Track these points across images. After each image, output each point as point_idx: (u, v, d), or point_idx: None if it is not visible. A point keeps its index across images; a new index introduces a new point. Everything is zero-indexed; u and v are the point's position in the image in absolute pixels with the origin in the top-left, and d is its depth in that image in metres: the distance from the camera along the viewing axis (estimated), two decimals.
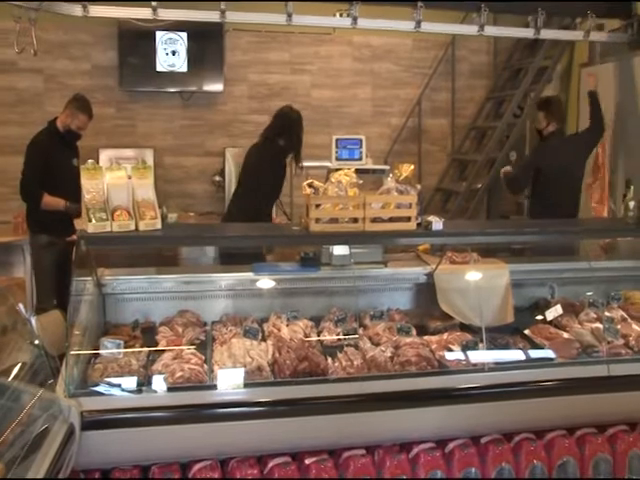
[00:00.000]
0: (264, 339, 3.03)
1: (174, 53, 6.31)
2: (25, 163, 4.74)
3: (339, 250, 3.37)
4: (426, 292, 3.47)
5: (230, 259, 4.30)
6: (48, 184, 4.65)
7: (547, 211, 4.60)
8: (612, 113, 5.39)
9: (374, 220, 2.97)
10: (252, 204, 4.51)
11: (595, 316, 3.34)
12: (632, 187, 3.47)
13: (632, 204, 3.44)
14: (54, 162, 4.68)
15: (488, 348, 2.92)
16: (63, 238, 4.57)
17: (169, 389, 2.54)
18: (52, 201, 4.63)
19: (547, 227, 3.45)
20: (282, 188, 4.74)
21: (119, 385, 2.52)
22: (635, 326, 3.25)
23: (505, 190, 5.37)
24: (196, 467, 2.52)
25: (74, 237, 2.80)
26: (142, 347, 2.89)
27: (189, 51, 6.33)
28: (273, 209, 4.88)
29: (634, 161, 5.17)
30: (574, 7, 4.80)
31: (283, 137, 4.55)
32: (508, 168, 5.15)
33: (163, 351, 2.82)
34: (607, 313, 3.34)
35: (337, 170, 3.21)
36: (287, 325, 3.16)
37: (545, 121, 4.92)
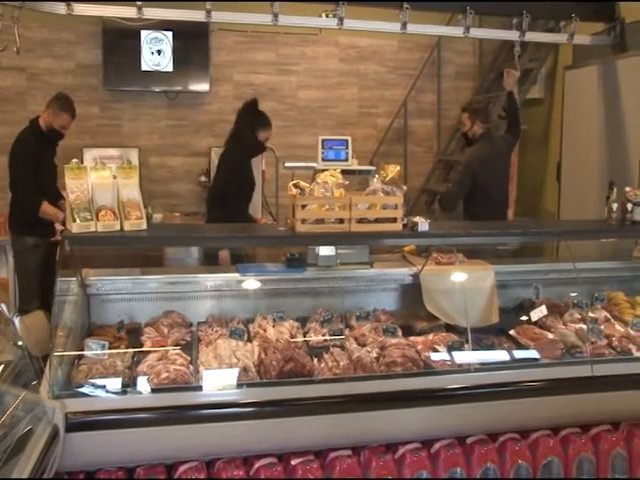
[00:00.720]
0: (250, 340, 3.02)
1: (159, 52, 6.28)
2: (16, 168, 4.62)
3: (325, 251, 3.37)
4: (412, 293, 3.47)
5: (212, 260, 4.29)
6: (35, 186, 4.60)
7: (482, 214, 4.48)
8: (596, 115, 5.44)
9: (360, 221, 2.98)
10: (224, 207, 4.45)
11: (579, 317, 3.37)
12: (615, 189, 3.50)
13: (615, 206, 3.48)
14: (40, 163, 4.63)
15: (473, 349, 2.94)
16: (46, 239, 4.54)
17: (154, 390, 2.53)
18: (51, 211, 4.54)
19: (531, 229, 3.47)
20: (251, 187, 4.66)
21: (104, 386, 2.50)
22: (618, 326, 3.28)
23: (438, 210, 5.18)
24: (182, 468, 2.50)
25: (59, 237, 2.78)
26: (127, 348, 2.87)
27: (174, 50, 6.30)
28: (249, 210, 4.80)
29: (617, 163, 5.23)
30: (558, 10, 4.84)
31: (243, 131, 4.51)
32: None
33: (148, 352, 2.80)
34: (591, 314, 3.37)
35: (323, 171, 3.21)
36: (273, 326, 3.16)
37: (469, 121, 4.80)
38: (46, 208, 4.54)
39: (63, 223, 4.26)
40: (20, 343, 2.41)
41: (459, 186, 4.75)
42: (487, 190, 4.65)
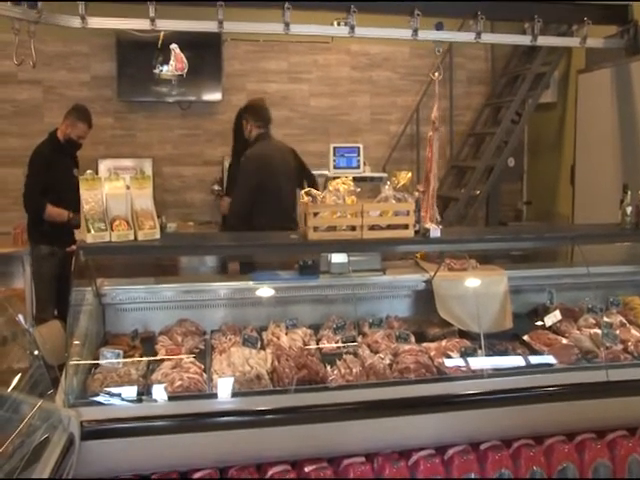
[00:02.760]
0: (263, 348, 3.03)
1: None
2: (28, 175, 4.76)
3: (337, 258, 3.38)
4: (425, 299, 3.47)
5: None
6: (50, 195, 4.67)
7: (269, 223, 4.07)
8: (609, 119, 5.41)
9: (372, 228, 2.99)
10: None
11: (594, 321, 3.35)
12: (629, 192, 3.48)
13: (629, 209, 3.45)
14: (56, 173, 4.70)
15: (487, 354, 2.93)
16: (63, 248, 4.60)
17: (168, 398, 2.55)
18: (55, 212, 4.65)
19: (544, 233, 3.46)
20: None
21: (119, 395, 2.53)
22: (634, 331, 3.25)
23: (229, 227, 4.58)
24: (196, 476, 2.52)
25: (74, 247, 2.81)
26: (141, 357, 2.89)
27: (187, 61, 6.34)
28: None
29: (630, 166, 5.19)
30: (570, 13, 4.82)
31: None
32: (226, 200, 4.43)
33: (162, 360, 2.83)
34: (606, 318, 3.34)
35: (335, 178, 3.23)
36: (286, 333, 3.17)
37: (248, 125, 4.54)
38: (50, 210, 4.65)
39: (75, 225, 4.32)
40: (36, 352, 2.44)
41: (241, 200, 4.30)
42: (271, 196, 4.27)
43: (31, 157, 4.77)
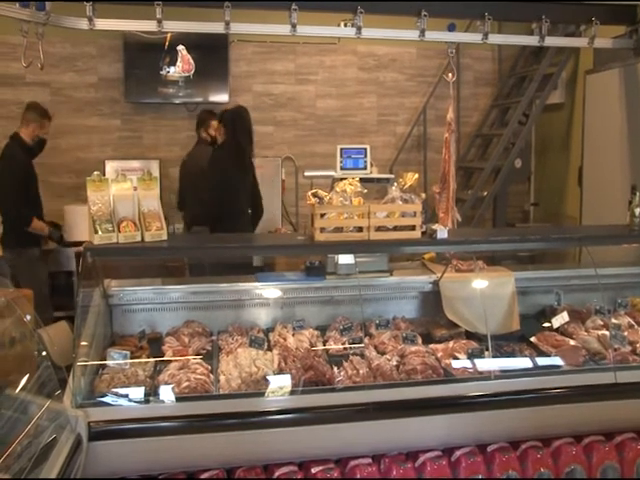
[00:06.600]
0: (270, 349, 3.03)
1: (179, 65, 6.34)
2: (5, 184, 4.71)
3: (344, 259, 3.38)
4: (432, 300, 3.47)
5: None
6: (30, 201, 4.73)
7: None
8: (617, 119, 5.39)
9: (379, 229, 2.99)
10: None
11: (602, 323, 3.34)
12: (638, 193, 3.46)
13: (637, 210, 3.44)
14: (27, 175, 4.73)
15: (494, 356, 2.92)
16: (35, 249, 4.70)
17: (176, 399, 2.55)
18: (38, 226, 4.78)
19: (552, 235, 3.44)
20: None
21: (126, 395, 2.53)
22: None
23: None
24: (203, 476, 2.52)
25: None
26: (149, 358, 2.90)
27: (194, 62, 6.36)
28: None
29: (639, 167, 5.17)
30: (578, 14, 4.80)
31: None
32: None
33: (169, 361, 2.83)
34: (614, 320, 3.33)
35: (342, 179, 3.23)
36: (293, 334, 3.17)
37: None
38: (35, 224, 4.75)
39: (56, 239, 4.60)
40: (44, 353, 2.45)
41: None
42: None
43: (4, 165, 4.73)
